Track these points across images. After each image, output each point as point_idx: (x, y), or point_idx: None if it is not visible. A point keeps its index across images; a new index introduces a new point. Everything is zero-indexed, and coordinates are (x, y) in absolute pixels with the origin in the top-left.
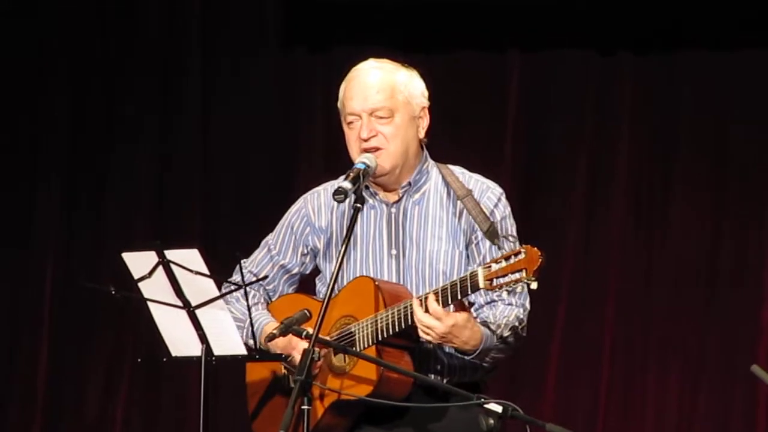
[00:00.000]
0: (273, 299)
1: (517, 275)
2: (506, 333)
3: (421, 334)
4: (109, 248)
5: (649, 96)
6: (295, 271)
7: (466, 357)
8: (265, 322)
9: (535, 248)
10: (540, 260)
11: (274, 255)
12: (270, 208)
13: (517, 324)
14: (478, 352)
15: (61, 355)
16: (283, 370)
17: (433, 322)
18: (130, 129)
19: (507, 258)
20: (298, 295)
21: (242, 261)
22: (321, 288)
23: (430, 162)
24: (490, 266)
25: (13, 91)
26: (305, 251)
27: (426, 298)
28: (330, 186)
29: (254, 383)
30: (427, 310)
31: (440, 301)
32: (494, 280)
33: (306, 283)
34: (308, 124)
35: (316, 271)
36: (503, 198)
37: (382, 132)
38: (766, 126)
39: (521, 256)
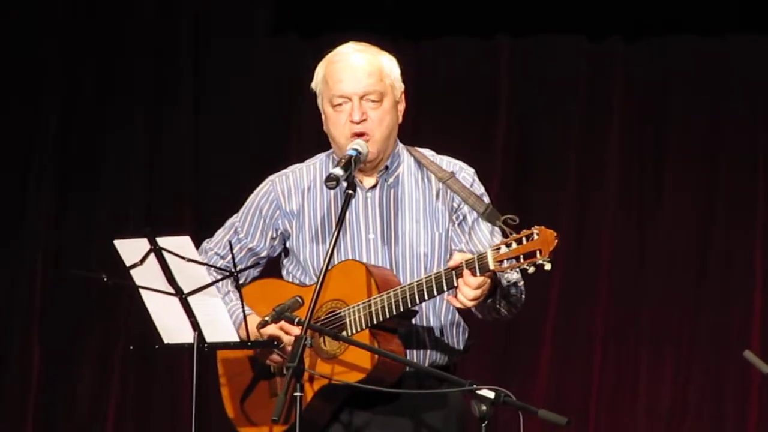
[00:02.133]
0: (240, 282)
1: (531, 257)
2: (512, 289)
3: (461, 302)
4: (100, 238)
5: (640, 82)
6: (264, 254)
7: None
8: (246, 314)
9: (550, 229)
10: (556, 241)
11: (241, 238)
12: None
13: (518, 278)
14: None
15: (53, 342)
16: (261, 357)
17: (479, 292)
18: (121, 118)
19: (518, 240)
20: (270, 280)
21: (206, 241)
22: (293, 270)
23: (400, 145)
24: (499, 248)
25: (5, 83)
26: (274, 235)
27: (466, 281)
28: (297, 169)
29: (228, 368)
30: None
31: (444, 285)
32: (504, 261)
33: (269, 265)
34: (299, 111)
35: (283, 251)
36: (476, 177)
37: (371, 116)
38: (757, 110)
39: (534, 237)
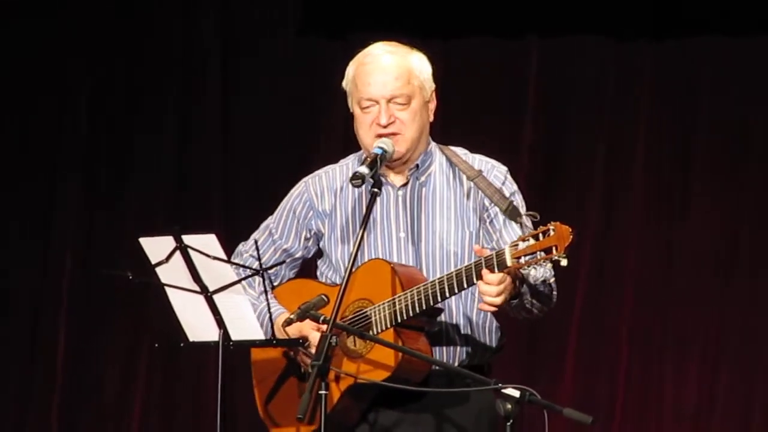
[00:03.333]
0: (275, 283)
1: (547, 252)
2: (541, 287)
3: (486, 302)
4: (128, 236)
5: (668, 82)
6: (298, 255)
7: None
8: (277, 313)
9: (566, 225)
10: (571, 237)
11: (276, 239)
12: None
13: (549, 276)
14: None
15: (80, 340)
16: (292, 355)
17: (500, 288)
18: (150, 117)
19: (535, 236)
20: (303, 280)
21: (242, 244)
22: (325, 271)
23: (433, 144)
24: (516, 245)
25: (35, 80)
26: (308, 235)
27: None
28: (331, 170)
29: (261, 367)
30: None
31: (465, 281)
32: (522, 257)
33: (305, 266)
34: (327, 111)
35: (317, 253)
36: (509, 175)
37: (399, 118)
38: None
39: (551, 233)
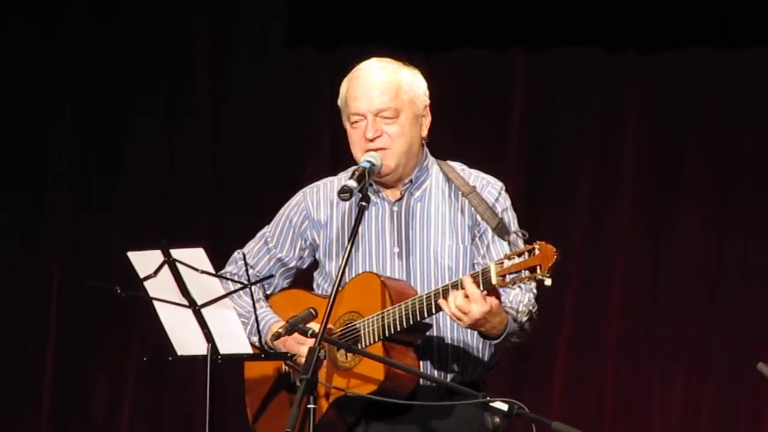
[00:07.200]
0: (268, 291)
1: (531, 271)
2: (524, 319)
3: (453, 316)
4: (116, 249)
5: (655, 95)
6: (292, 264)
7: (490, 341)
8: (271, 321)
9: (550, 245)
10: (555, 257)
11: (271, 248)
12: (277, 206)
13: (531, 308)
14: (503, 337)
15: (67, 354)
16: (284, 368)
17: (471, 307)
18: (138, 128)
19: (520, 254)
20: (297, 291)
21: (237, 251)
22: (321, 282)
23: (430, 159)
24: (502, 262)
25: (23, 91)
26: (304, 245)
27: (462, 281)
28: (329, 181)
29: (253, 380)
30: (466, 295)
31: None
32: (507, 276)
33: (300, 276)
34: (315, 123)
35: (313, 264)
36: (503, 191)
37: (387, 132)
38: None
39: (536, 252)
